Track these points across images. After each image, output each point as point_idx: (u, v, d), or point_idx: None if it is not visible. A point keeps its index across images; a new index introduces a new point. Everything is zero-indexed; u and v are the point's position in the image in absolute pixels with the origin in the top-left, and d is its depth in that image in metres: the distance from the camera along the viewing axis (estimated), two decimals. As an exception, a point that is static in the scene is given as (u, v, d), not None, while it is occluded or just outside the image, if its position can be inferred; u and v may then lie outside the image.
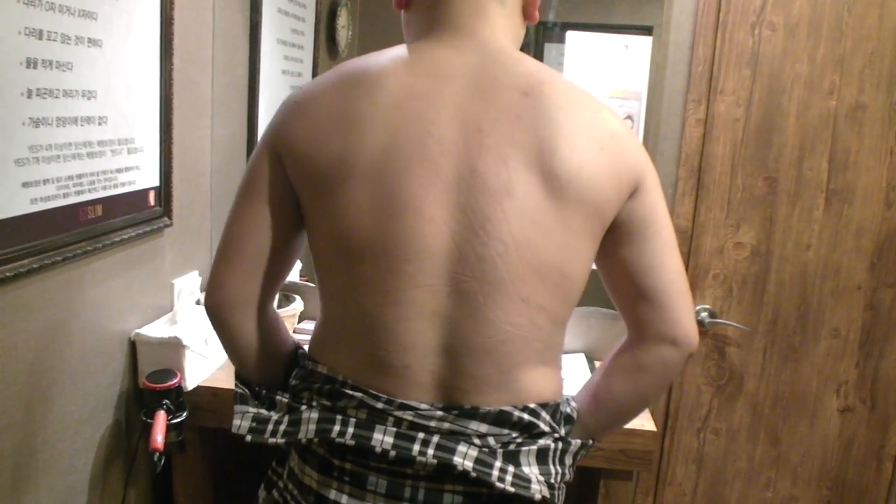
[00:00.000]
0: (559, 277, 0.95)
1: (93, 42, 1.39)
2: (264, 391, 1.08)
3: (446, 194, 0.91)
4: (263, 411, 1.05)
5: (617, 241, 1.01)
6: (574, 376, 1.83)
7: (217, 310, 1.06)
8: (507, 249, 0.91)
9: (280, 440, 1.00)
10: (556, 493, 1.00)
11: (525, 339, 0.95)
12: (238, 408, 1.06)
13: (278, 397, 1.05)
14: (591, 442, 1.09)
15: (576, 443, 1.05)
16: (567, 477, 1.03)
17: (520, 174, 0.90)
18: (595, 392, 1.09)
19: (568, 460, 1.03)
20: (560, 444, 1.02)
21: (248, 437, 1.03)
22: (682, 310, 1.03)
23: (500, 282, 0.91)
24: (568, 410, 1.07)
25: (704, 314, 2.00)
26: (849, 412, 2.04)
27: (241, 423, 1.04)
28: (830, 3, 1.85)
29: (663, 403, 2.07)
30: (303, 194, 1.00)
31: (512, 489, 0.93)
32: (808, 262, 1.97)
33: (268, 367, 1.11)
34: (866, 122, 1.89)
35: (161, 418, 1.49)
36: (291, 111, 1.01)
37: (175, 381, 1.55)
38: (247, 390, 1.08)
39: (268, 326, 1.10)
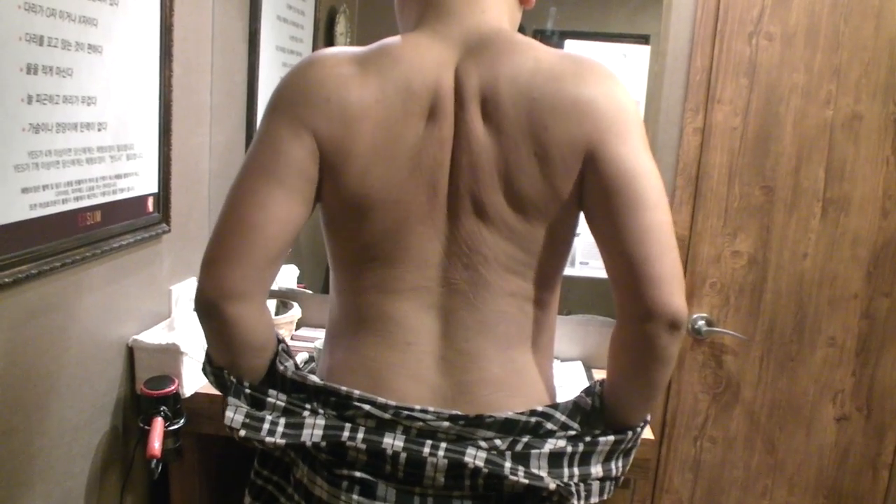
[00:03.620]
0: (540, 272, 1.03)
1: (93, 48, 1.39)
2: (248, 389, 1.02)
3: (441, 215, 1.00)
4: (253, 409, 1.00)
5: (585, 211, 1.01)
6: (571, 385, 1.83)
7: (216, 301, 0.96)
8: (486, 259, 1.00)
9: (280, 440, 0.97)
10: (574, 490, 0.98)
11: (516, 322, 1.04)
12: (232, 400, 1.00)
13: (269, 399, 1.00)
14: (629, 434, 1.03)
15: (606, 440, 1.01)
16: (599, 474, 1.00)
17: (489, 195, 0.98)
18: (606, 376, 1.08)
19: (596, 459, 1.00)
20: (582, 446, 1.00)
21: (242, 433, 0.97)
22: (651, 278, 0.92)
23: (485, 283, 1.01)
24: (589, 401, 1.04)
25: (701, 322, 2.00)
26: (845, 421, 2.04)
27: (234, 416, 0.99)
28: (827, 13, 1.86)
29: (660, 412, 2.08)
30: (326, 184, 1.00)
31: (525, 480, 0.95)
32: (804, 271, 1.97)
33: (259, 363, 1.04)
34: (863, 131, 1.90)
35: (158, 425, 1.49)
36: (319, 89, 0.98)
37: (172, 387, 1.54)
38: (236, 382, 1.02)
39: (267, 319, 1.04)
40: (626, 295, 0.96)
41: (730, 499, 2.11)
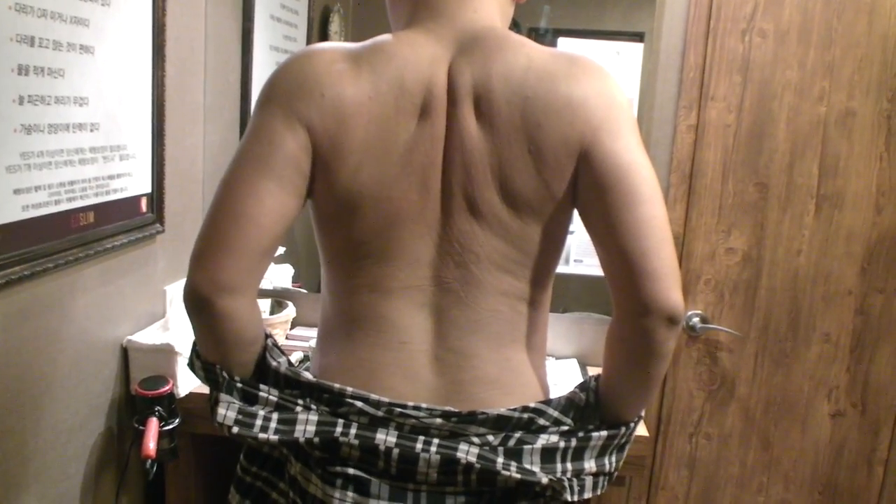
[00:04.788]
0: (532, 270, 1.03)
1: (85, 49, 1.39)
2: (240, 384, 1.01)
3: (433, 213, 1.00)
4: (245, 405, 1.00)
5: (580, 208, 1.01)
6: (566, 382, 1.83)
7: (209, 295, 0.94)
8: (478, 258, 1.00)
9: (273, 437, 0.97)
10: (567, 484, 0.98)
11: (509, 321, 1.04)
12: (224, 396, 0.99)
13: (262, 393, 1.00)
14: (622, 429, 1.03)
15: (599, 435, 1.01)
16: (592, 469, 1.00)
17: (483, 193, 0.98)
18: (602, 371, 1.08)
19: (589, 455, 1.00)
20: (575, 441, 1.00)
21: (235, 430, 0.97)
22: (647, 272, 0.93)
23: (477, 282, 1.01)
24: (583, 396, 1.04)
25: (696, 319, 2.01)
26: (840, 417, 2.05)
27: (226, 412, 0.98)
28: (820, 10, 1.87)
29: (655, 408, 2.08)
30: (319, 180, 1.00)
31: (518, 475, 0.95)
32: (798, 268, 1.98)
33: (248, 357, 1.03)
34: (856, 128, 1.91)
35: (153, 425, 1.49)
36: (315, 82, 0.97)
37: (167, 387, 1.54)
38: (228, 378, 1.01)
39: (258, 313, 1.03)
40: (623, 290, 0.96)
41: (725, 495, 2.12)
